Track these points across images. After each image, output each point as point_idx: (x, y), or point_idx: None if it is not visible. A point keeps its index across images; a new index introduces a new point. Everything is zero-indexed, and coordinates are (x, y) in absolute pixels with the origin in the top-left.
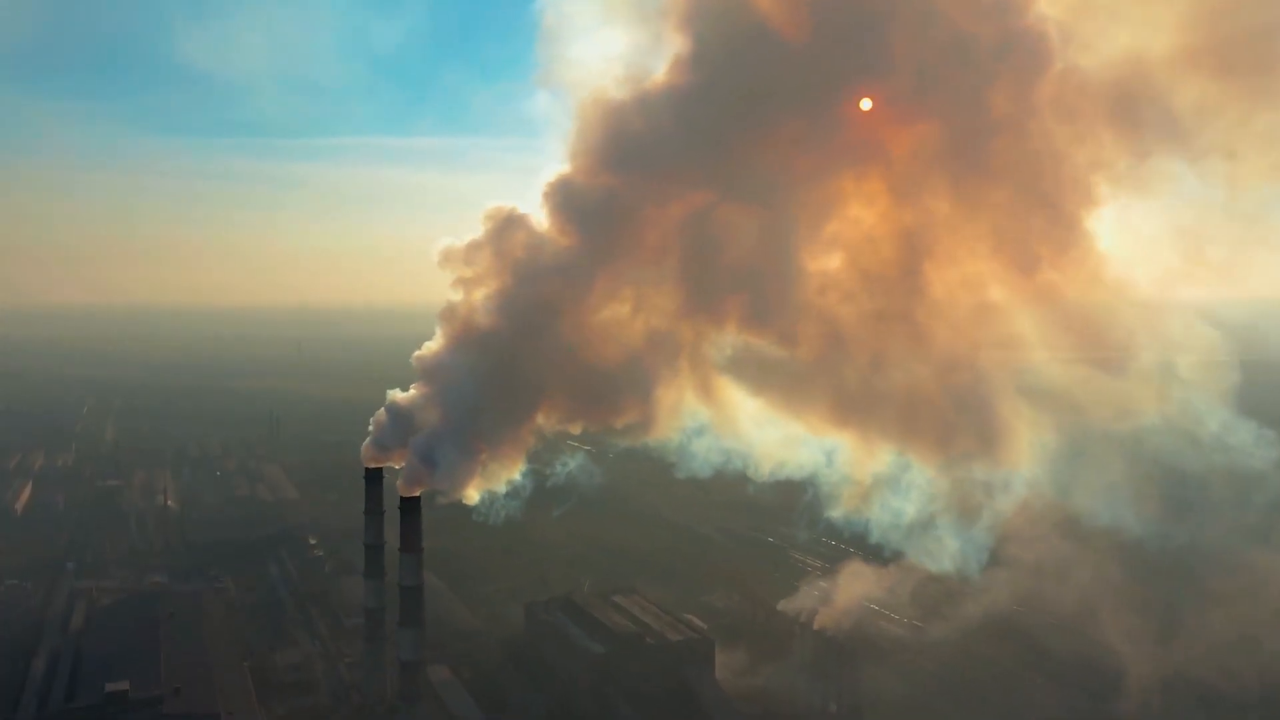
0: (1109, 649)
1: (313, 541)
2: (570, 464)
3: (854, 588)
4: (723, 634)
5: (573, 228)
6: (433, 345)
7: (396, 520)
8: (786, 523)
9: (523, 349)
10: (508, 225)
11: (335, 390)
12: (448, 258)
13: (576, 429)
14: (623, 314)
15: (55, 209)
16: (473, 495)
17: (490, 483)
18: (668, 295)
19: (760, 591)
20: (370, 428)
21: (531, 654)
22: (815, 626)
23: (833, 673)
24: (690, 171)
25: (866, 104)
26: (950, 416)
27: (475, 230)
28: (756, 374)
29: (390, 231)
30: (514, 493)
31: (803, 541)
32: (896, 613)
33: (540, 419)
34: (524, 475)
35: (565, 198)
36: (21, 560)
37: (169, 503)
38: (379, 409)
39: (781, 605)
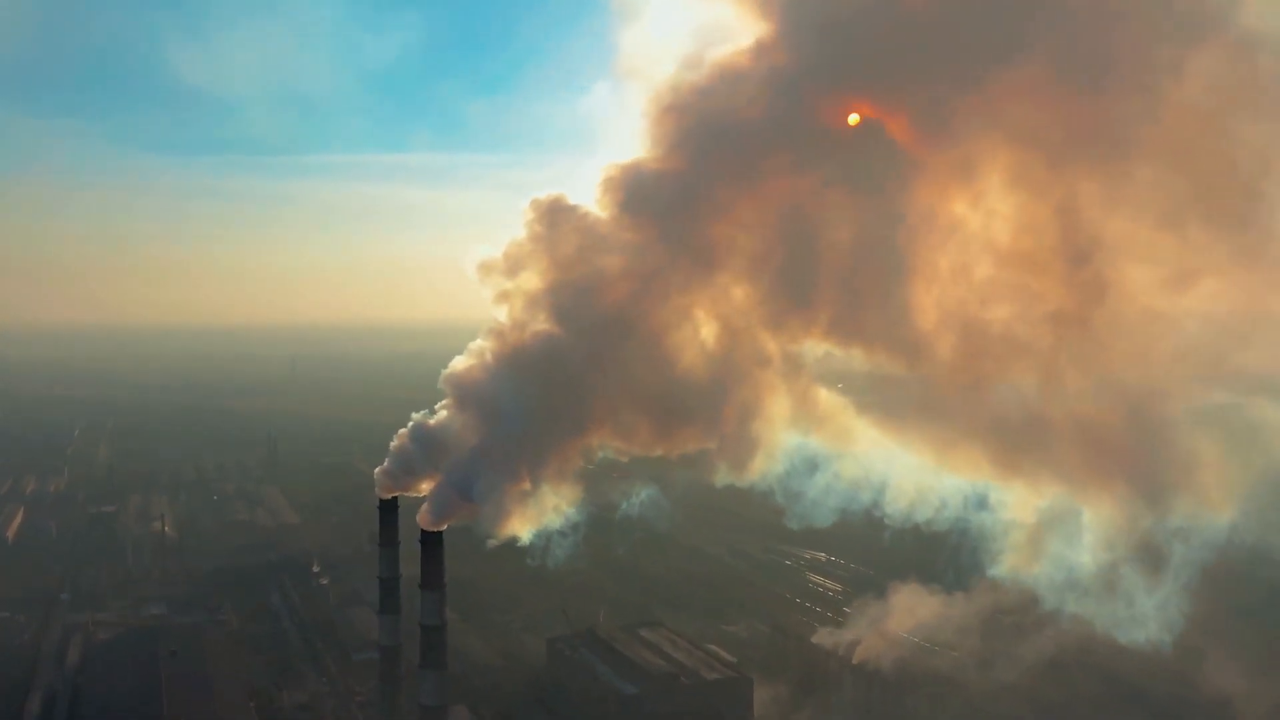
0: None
1: (316, 569)
2: (641, 495)
3: (896, 618)
4: (752, 669)
5: (645, 221)
6: (462, 362)
7: (406, 551)
8: (798, 542)
9: (587, 365)
10: (557, 220)
11: (331, 410)
12: (487, 270)
13: (625, 456)
14: (706, 322)
15: (45, 227)
16: (524, 531)
17: (539, 517)
18: (761, 299)
19: (789, 621)
20: (390, 453)
21: (557, 693)
22: (856, 661)
23: (878, 713)
24: (786, 152)
25: (855, 118)
26: (1140, 450)
27: (471, 242)
28: (874, 396)
29: (381, 248)
30: (572, 529)
31: (822, 564)
32: (950, 647)
33: (595, 442)
34: (577, 508)
35: (636, 187)
36: (14, 591)
37: (166, 529)
38: (393, 432)
39: (817, 638)
